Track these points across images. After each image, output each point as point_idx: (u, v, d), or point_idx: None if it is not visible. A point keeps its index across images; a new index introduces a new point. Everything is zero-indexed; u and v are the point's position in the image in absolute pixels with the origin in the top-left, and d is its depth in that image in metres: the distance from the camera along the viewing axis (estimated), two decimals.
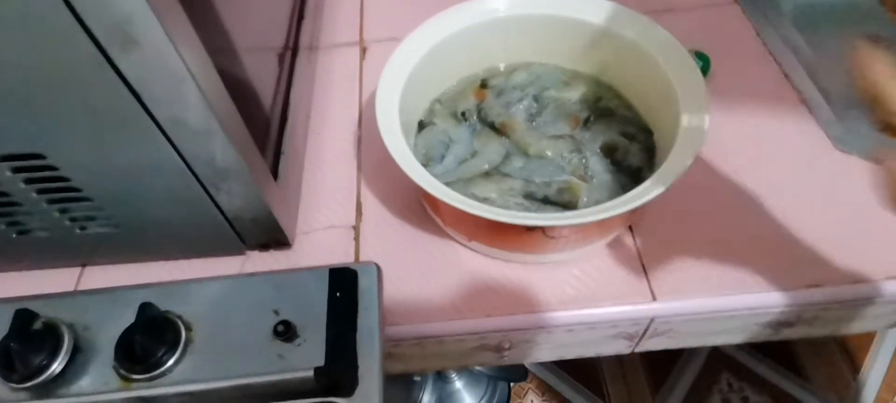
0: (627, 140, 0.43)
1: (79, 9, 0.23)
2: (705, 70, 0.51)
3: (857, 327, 0.45)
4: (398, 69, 0.42)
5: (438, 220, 0.42)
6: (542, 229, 0.36)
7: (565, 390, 1.05)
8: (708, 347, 1.07)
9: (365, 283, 0.37)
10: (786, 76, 0.51)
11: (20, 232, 0.37)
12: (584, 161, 0.43)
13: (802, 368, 1.05)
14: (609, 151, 0.43)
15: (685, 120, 0.38)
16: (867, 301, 0.40)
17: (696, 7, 0.58)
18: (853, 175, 0.45)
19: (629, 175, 0.42)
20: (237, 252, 0.43)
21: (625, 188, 0.40)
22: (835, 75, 0.50)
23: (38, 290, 0.37)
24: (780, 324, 0.43)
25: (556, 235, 0.37)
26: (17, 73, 0.26)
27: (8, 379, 0.32)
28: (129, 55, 0.25)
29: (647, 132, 0.44)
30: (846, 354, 1.05)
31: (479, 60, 0.48)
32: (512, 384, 1.00)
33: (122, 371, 0.33)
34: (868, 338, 0.96)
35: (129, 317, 0.33)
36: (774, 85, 0.51)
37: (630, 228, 0.43)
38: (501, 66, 0.49)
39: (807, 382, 1.03)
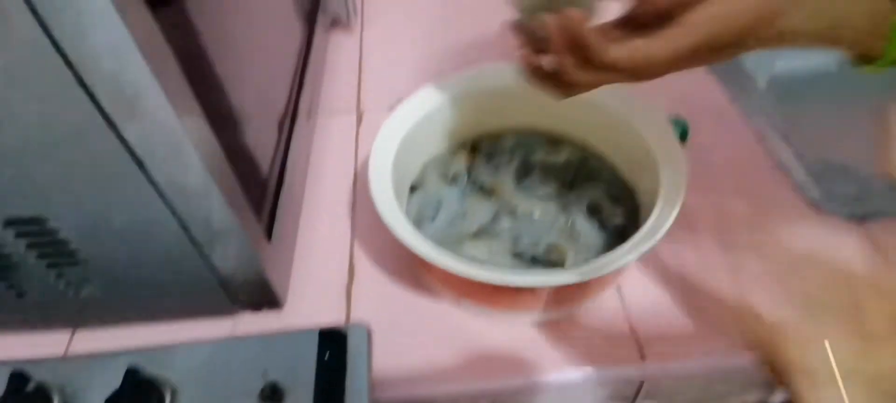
0: (612, 201, 0.45)
1: (89, 82, 0.25)
2: (684, 136, 0.53)
3: None
4: (392, 134, 0.44)
5: (430, 281, 0.43)
6: (531, 289, 0.37)
7: None
8: None
9: (355, 345, 0.37)
10: (761, 142, 0.53)
11: (18, 295, 0.38)
12: (570, 221, 0.44)
13: None
14: (594, 212, 0.44)
15: (665, 183, 0.39)
16: None
17: (674, 77, 0.61)
18: (831, 236, 0.46)
19: (615, 234, 0.43)
20: (228, 313, 0.43)
21: (611, 247, 0.41)
22: (808, 140, 0.52)
23: (30, 351, 0.37)
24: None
25: (544, 294, 0.38)
26: (26, 141, 0.28)
27: None
28: (133, 123, 0.27)
29: (631, 193, 0.46)
30: None
31: (470, 126, 0.51)
32: None
33: None
34: None
35: (116, 382, 0.33)
36: (750, 150, 0.53)
37: (618, 288, 0.44)
38: (491, 131, 0.51)
39: None
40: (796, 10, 0.29)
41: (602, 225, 0.44)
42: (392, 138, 0.44)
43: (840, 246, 0.44)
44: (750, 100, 0.57)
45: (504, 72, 0.48)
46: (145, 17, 0.25)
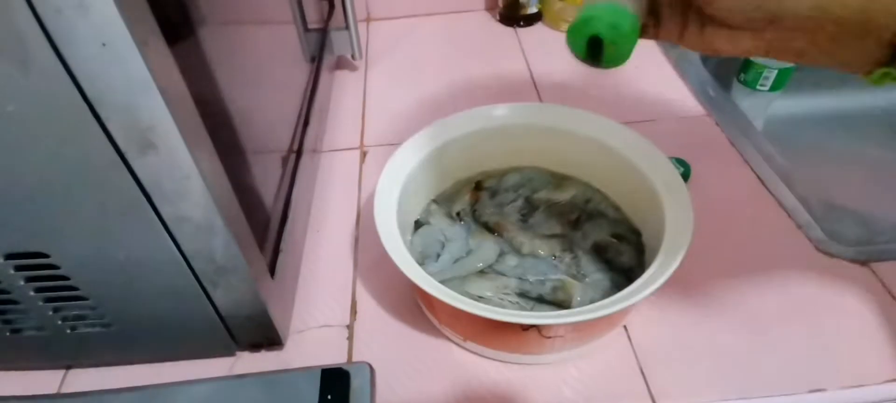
0: (617, 240, 0.45)
1: (103, 116, 0.25)
2: (686, 176, 0.54)
3: None
4: (396, 171, 0.44)
5: (434, 320, 0.42)
6: (537, 328, 0.36)
7: None
8: None
9: (357, 384, 0.36)
10: (762, 182, 0.54)
11: (13, 332, 0.37)
12: (576, 260, 0.44)
13: None
14: (600, 251, 0.44)
15: (671, 223, 0.39)
16: None
17: (676, 118, 0.62)
18: (838, 277, 0.46)
19: (621, 273, 0.43)
20: (228, 353, 0.42)
21: (617, 286, 0.40)
22: (810, 182, 0.52)
23: (22, 390, 0.35)
24: None
25: (551, 334, 0.37)
26: (34, 174, 0.28)
27: None
28: (145, 158, 0.27)
29: (636, 233, 0.46)
30: None
31: (473, 164, 0.51)
32: None
33: None
34: None
35: None
36: (752, 190, 0.53)
37: (625, 328, 0.43)
38: (495, 169, 0.51)
39: None
40: None
41: (608, 264, 0.43)
42: (397, 175, 0.44)
43: (846, 288, 0.44)
44: (749, 142, 0.57)
45: (509, 112, 0.49)
46: (164, 53, 0.25)
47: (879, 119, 0.69)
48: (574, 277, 0.43)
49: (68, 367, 0.42)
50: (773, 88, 0.70)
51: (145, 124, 0.25)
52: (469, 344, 0.41)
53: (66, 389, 0.41)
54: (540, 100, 0.66)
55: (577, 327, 0.37)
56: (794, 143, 0.58)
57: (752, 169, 0.55)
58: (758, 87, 0.70)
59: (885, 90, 0.63)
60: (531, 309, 0.41)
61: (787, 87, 0.70)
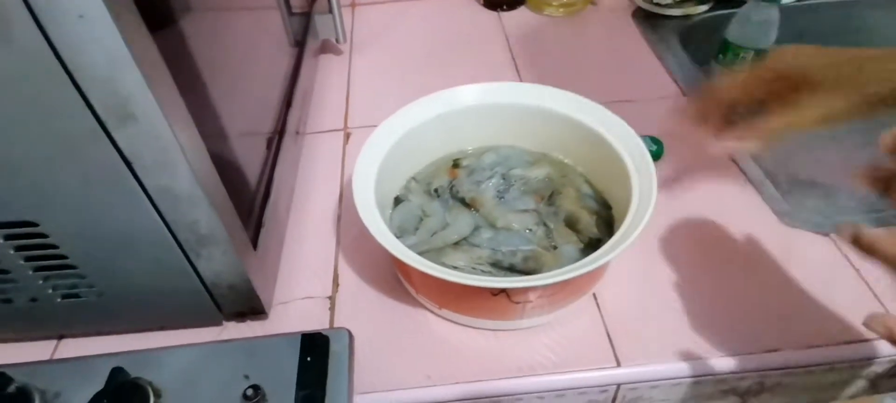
0: (588, 214, 0.46)
1: (83, 86, 0.27)
2: (659, 154, 0.55)
3: (819, 398, 0.46)
4: (375, 149, 0.46)
5: (411, 289, 0.44)
6: (506, 293, 0.38)
7: None
8: None
9: (336, 348, 0.38)
10: (733, 160, 0.56)
11: (3, 301, 0.39)
12: (548, 232, 0.45)
13: None
14: (571, 224, 0.46)
15: (636, 196, 0.41)
16: (825, 365, 0.42)
17: (651, 99, 0.64)
18: (800, 247, 0.48)
19: (591, 246, 0.44)
20: (214, 322, 0.44)
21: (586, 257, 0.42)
22: (777, 158, 0.54)
23: (15, 359, 0.37)
24: (746, 392, 0.44)
25: (519, 299, 0.39)
26: (19, 145, 0.29)
27: None
28: (125, 128, 0.28)
29: (607, 207, 0.47)
30: None
31: (451, 143, 0.52)
32: None
33: None
34: None
35: (99, 384, 0.34)
36: (722, 167, 0.55)
37: (595, 296, 0.45)
38: (471, 148, 0.53)
39: None
40: None
41: (579, 236, 0.45)
42: (376, 153, 0.46)
43: (806, 257, 0.46)
44: None
45: (485, 91, 0.50)
46: (141, 30, 0.27)
47: None
48: (545, 249, 0.44)
49: (61, 336, 0.44)
50: None
51: (123, 94, 0.27)
52: (444, 312, 0.43)
53: (59, 356, 0.42)
54: (521, 82, 0.68)
55: (544, 292, 0.39)
56: None
57: None
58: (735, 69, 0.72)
59: None
60: (502, 277, 0.42)
61: None
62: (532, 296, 0.39)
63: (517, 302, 0.39)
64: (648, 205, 0.39)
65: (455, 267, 0.42)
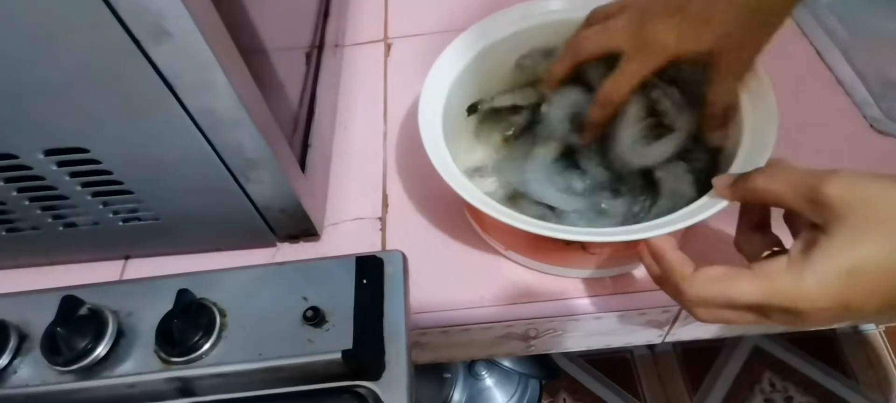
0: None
1: (115, 4, 0.25)
2: None
3: None
4: (439, 80, 0.41)
5: (477, 228, 0.42)
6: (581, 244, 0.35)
7: (599, 388, 1.03)
8: (749, 346, 1.03)
9: (391, 271, 0.38)
10: (820, 57, 0.49)
11: (66, 225, 0.40)
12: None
13: (848, 366, 1.00)
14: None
15: (749, 134, 0.35)
16: None
17: None
18: (893, 156, 0.43)
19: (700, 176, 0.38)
20: (268, 244, 0.44)
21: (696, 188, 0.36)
22: (870, 56, 0.48)
23: (86, 281, 0.39)
24: None
25: (596, 251, 0.36)
26: (59, 70, 0.28)
27: (53, 363, 0.34)
28: (161, 46, 0.27)
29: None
30: (894, 352, 1.00)
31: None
32: (543, 382, 0.99)
33: (162, 355, 0.34)
34: None
35: (168, 304, 0.35)
36: (809, 66, 0.49)
37: None
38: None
39: (853, 381, 0.99)
40: None
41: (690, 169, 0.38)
42: (440, 85, 0.41)
43: None
44: (811, 13, 0.52)
45: (570, 3, 0.43)
46: None
47: None
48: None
49: (126, 257, 0.45)
50: None
51: (156, 10, 0.25)
52: (511, 255, 0.41)
53: (127, 276, 0.44)
54: None
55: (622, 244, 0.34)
56: (859, 13, 0.52)
57: (810, 43, 0.51)
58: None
59: None
60: (585, 227, 0.36)
61: None
62: (608, 249, 0.36)
63: (593, 253, 0.37)
64: (763, 153, 0.33)
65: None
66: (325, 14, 0.51)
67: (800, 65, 0.49)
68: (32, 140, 0.32)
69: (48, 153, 0.33)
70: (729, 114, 0.36)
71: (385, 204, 0.46)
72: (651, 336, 0.44)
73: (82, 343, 0.34)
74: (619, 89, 0.36)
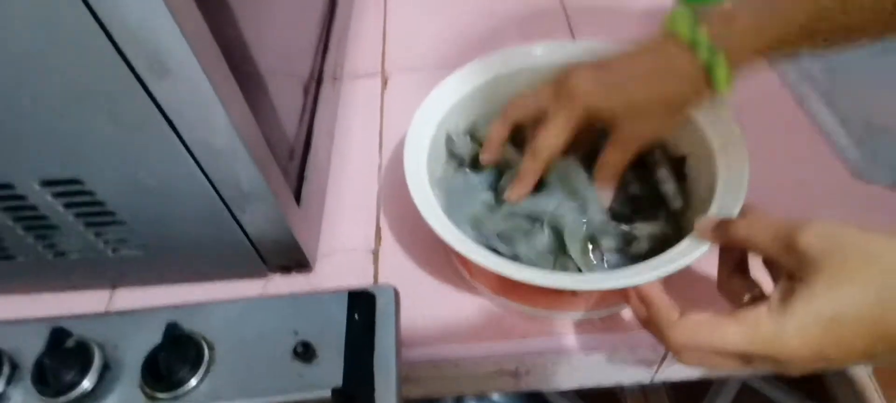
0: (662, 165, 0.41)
1: (118, 39, 0.25)
2: None
3: None
4: (426, 120, 0.42)
5: (465, 273, 0.42)
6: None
7: None
8: (738, 383, 1.03)
9: (383, 306, 0.38)
10: (800, 104, 0.51)
11: (57, 255, 0.39)
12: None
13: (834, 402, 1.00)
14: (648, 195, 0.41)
15: (723, 182, 0.36)
16: None
17: None
18: (875, 204, 0.44)
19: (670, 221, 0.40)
20: (259, 274, 0.44)
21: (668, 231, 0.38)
22: (852, 103, 0.49)
23: (73, 309, 0.38)
24: None
25: (585, 296, 0.37)
26: (59, 101, 0.28)
27: (43, 394, 0.33)
28: (162, 82, 0.27)
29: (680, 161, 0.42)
30: (881, 388, 1.00)
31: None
32: None
33: (148, 390, 0.34)
34: None
35: (156, 337, 0.35)
36: (790, 114, 0.51)
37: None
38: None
39: None
40: None
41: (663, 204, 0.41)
42: (426, 126, 0.42)
43: (880, 216, 0.43)
44: (792, 62, 0.54)
45: (548, 50, 0.45)
46: None
47: None
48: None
49: (114, 287, 0.45)
50: None
51: (159, 47, 0.25)
52: (499, 301, 0.41)
53: (114, 306, 0.44)
54: (570, 26, 0.63)
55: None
56: (841, 59, 0.54)
57: (791, 91, 0.52)
58: None
59: None
60: (573, 273, 0.37)
61: None
62: (597, 293, 0.37)
63: (582, 298, 0.37)
64: (737, 199, 0.34)
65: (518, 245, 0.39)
66: (324, 48, 0.52)
67: (780, 113, 0.51)
68: (29, 170, 0.32)
69: (44, 184, 0.33)
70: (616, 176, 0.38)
71: (378, 237, 0.47)
72: (641, 375, 0.44)
73: (68, 376, 0.33)
74: (547, 140, 0.37)
